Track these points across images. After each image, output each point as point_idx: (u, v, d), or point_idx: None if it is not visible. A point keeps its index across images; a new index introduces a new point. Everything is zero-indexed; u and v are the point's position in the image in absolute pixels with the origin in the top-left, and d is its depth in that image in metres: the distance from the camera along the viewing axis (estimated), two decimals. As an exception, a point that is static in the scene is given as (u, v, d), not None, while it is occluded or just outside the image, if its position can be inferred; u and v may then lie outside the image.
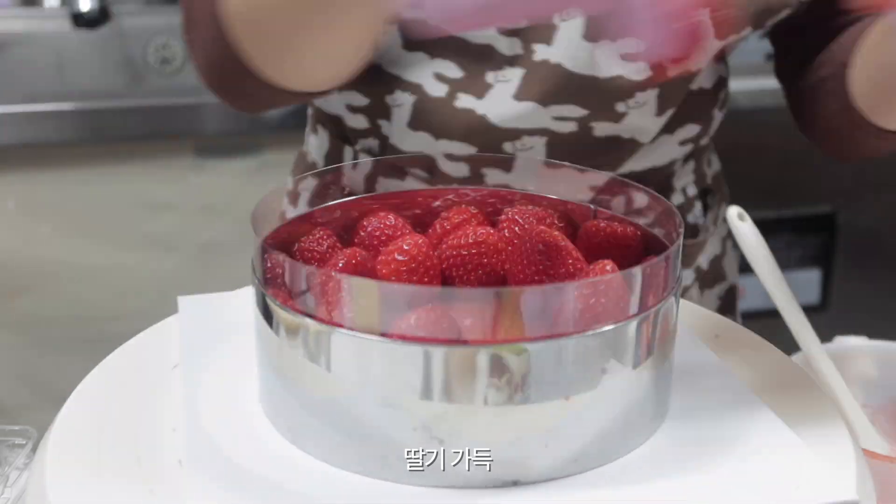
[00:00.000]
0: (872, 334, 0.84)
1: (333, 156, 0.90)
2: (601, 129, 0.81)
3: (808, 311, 0.76)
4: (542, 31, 0.79)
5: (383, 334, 0.46)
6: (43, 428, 0.68)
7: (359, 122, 0.86)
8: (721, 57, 0.89)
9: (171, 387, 0.57)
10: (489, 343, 0.45)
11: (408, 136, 0.84)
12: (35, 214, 1.53)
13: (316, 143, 0.93)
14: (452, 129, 0.82)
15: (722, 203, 0.97)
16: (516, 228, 0.60)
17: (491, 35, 0.79)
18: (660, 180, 0.88)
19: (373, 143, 0.87)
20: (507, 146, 0.82)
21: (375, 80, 0.83)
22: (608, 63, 0.78)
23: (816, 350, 0.74)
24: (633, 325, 0.49)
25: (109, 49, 1.53)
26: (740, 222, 0.77)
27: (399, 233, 0.58)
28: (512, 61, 0.80)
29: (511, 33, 0.79)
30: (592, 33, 0.78)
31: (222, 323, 0.62)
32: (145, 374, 0.58)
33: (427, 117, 0.82)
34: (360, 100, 0.85)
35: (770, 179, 1.50)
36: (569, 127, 0.81)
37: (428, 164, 0.84)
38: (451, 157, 0.82)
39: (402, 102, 0.83)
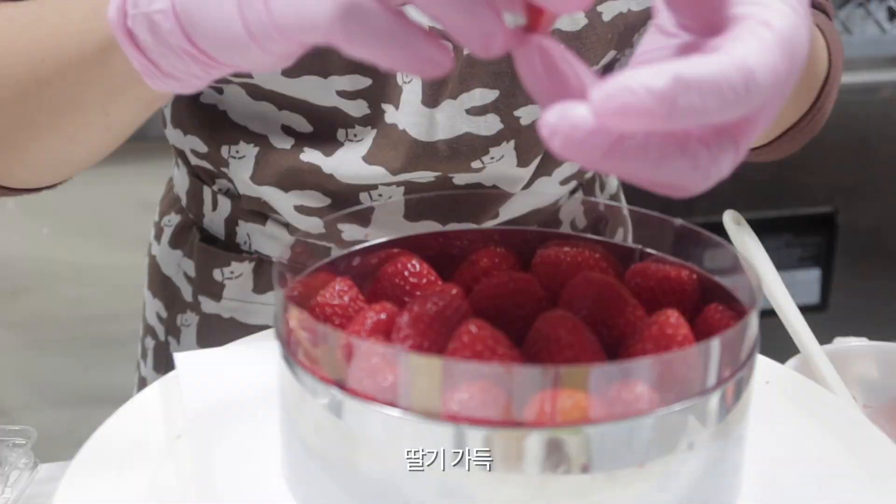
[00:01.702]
0: (872, 335, 0.84)
1: (193, 194, 0.84)
2: (462, 178, 0.76)
3: (808, 311, 0.76)
4: (390, 92, 0.73)
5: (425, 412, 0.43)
6: (43, 428, 0.68)
7: (205, 165, 0.81)
8: None
9: (180, 456, 0.54)
10: (545, 426, 0.43)
11: (253, 188, 0.78)
12: (35, 214, 1.53)
13: (178, 178, 0.87)
14: (299, 183, 0.76)
15: (619, 228, 0.88)
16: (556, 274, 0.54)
17: (336, 99, 0.73)
18: (544, 218, 0.82)
19: (228, 184, 0.81)
20: (364, 196, 0.76)
21: (217, 128, 0.78)
22: (452, 123, 0.73)
23: (815, 352, 0.74)
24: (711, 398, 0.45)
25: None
26: (737, 226, 0.77)
27: (425, 280, 0.53)
28: (364, 121, 0.74)
29: (356, 95, 0.72)
30: (431, 98, 0.72)
31: (227, 384, 0.59)
32: (147, 443, 0.55)
33: (270, 170, 0.76)
34: (201, 146, 0.79)
35: (770, 179, 1.50)
36: (426, 187, 0.75)
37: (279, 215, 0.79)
38: (302, 209, 0.76)
39: (245, 154, 0.77)
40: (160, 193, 0.95)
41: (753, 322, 0.48)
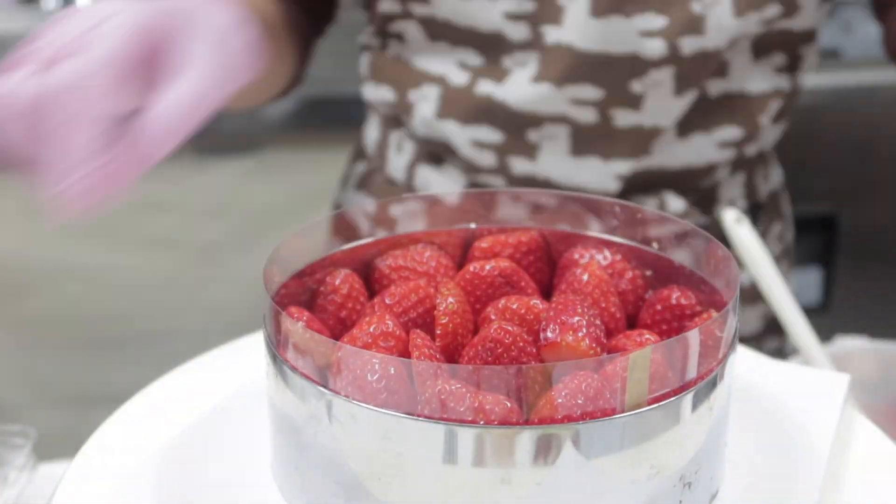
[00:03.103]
0: (873, 335, 0.84)
1: (381, 141, 0.93)
2: (622, 117, 0.81)
3: (809, 311, 0.76)
4: (551, 13, 0.79)
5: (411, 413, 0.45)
6: (43, 428, 0.68)
7: (394, 113, 0.89)
8: (788, 66, 0.86)
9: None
10: (534, 424, 0.44)
11: (434, 126, 0.86)
12: (35, 214, 1.52)
13: (369, 130, 0.96)
14: (475, 116, 0.83)
15: (774, 223, 0.94)
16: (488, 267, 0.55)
17: (499, 21, 0.81)
18: (703, 188, 0.86)
19: (414, 128, 0.89)
20: (532, 134, 0.82)
21: (403, 75, 0.87)
22: (620, 39, 0.79)
23: (815, 352, 0.74)
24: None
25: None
26: (737, 225, 0.77)
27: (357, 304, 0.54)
28: (524, 46, 0.81)
29: (518, 18, 0.80)
30: (601, 9, 0.78)
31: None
32: (147, 444, 0.55)
33: (450, 106, 0.84)
34: (391, 95, 0.88)
35: (770, 179, 1.50)
36: (588, 115, 0.81)
37: (455, 155, 0.86)
38: (478, 143, 0.84)
39: (428, 95, 0.85)
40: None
41: (731, 316, 0.49)
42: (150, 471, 0.53)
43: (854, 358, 0.80)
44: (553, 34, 0.79)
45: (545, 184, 0.83)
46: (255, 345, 0.62)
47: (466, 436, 0.44)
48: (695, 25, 0.78)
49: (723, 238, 0.78)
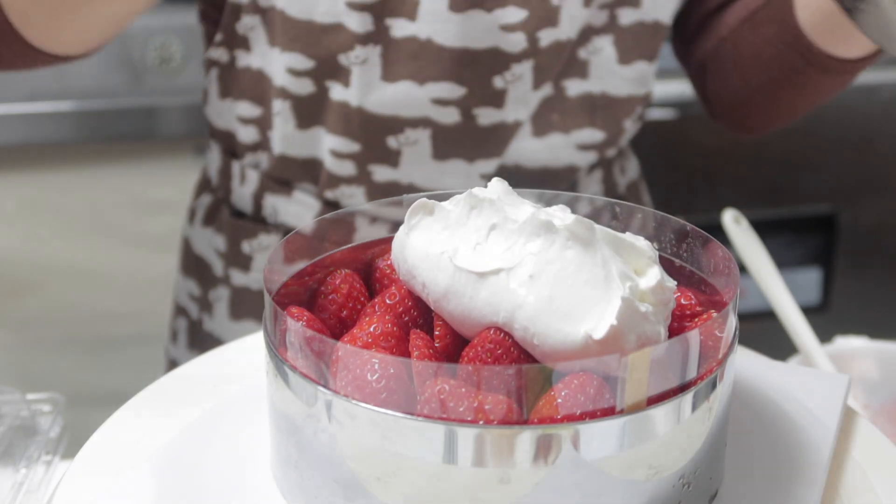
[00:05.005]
0: (873, 335, 0.84)
1: (223, 171, 0.89)
2: (484, 115, 0.79)
3: (809, 311, 0.76)
4: (401, 6, 0.76)
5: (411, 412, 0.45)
6: (42, 428, 0.68)
7: (249, 134, 0.85)
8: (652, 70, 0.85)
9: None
10: (537, 424, 0.44)
11: (296, 141, 0.82)
12: (35, 214, 1.52)
13: (210, 159, 0.92)
14: (333, 125, 0.80)
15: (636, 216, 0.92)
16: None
17: (342, 10, 0.76)
18: (561, 188, 0.85)
19: (260, 157, 0.85)
20: (391, 141, 0.80)
21: (260, 87, 0.82)
22: (482, 34, 0.76)
23: (815, 352, 0.74)
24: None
25: (109, 49, 1.52)
26: (736, 226, 0.77)
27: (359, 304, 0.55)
28: (366, 39, 0.77)
29: (361, 8, 0.76)
30: (460, 4, 0.75)
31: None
32: (147, 443, 0.55)
33: (307, 114, 0.81)
34: (251, 109, 0.84)
35: (770, 179, 1.50)
36: (451, 115, 0.79)
37: (313, 173, 0.83)
38: (336, 154, 0.80)
39: (281, 109, 0.81)
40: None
41: (731, 316, 0.49)
42: (151, 471, 0.53)
43: (854, 358, 0.80)
44: (408, 28, 0.76)
45: (409, 190, 0.81)
46: (254, 345, 0.62)
47: (466, 436, 0.44)
48: (551, 17, 0.77)
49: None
